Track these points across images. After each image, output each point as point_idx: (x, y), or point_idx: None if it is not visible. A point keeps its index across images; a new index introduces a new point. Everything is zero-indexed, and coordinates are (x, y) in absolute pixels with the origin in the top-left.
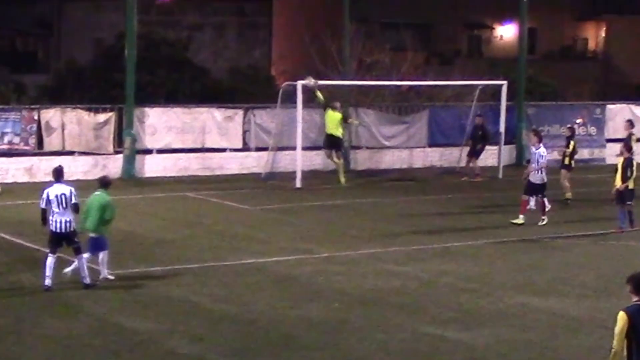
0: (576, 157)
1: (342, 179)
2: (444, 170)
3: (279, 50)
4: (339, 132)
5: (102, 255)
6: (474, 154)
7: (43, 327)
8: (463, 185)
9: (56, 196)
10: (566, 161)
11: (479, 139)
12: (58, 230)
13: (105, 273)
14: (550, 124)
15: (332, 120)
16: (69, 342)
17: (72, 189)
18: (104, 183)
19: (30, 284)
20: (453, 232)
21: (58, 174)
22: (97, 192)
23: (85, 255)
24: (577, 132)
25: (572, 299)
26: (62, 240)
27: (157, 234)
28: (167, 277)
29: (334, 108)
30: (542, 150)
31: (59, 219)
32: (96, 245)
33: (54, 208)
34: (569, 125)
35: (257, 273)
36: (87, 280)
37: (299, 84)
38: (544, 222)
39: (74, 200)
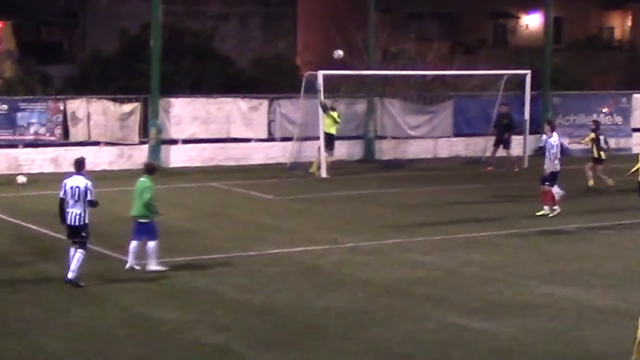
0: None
1: (317, 169)
2: (469, 160)
3: (303, 41)
4: (333, 129)
5: (148, 244)
6: (502, 143)
7: (70, 317)
8: (488, 175)
9: (71, 188)
10: (595, 154)
11: (505, 128)
12: (69, 222)
13: (152, 264)
14: (576, 113)
15: (331, 118)
16: (95, 332)
17: (89, 184)
18: (149, 169)
19: (56, 274)
20: (478, 222)
21: (77, 165)
22: (141, 178)
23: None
24: (603, 122)
25: (598, 288)
26: (74, 232)
27: (183, 224)
28: (193, 267)
29: (333, 109)
30: (553, 139)
31: (71, 211)
32: (144, 231)
33: (68, 199)
34: (593, 119)
35: (283, 263)
36: (71, 276)
37: (321, 74)
38: (554, 213)
39: (88, 197)
